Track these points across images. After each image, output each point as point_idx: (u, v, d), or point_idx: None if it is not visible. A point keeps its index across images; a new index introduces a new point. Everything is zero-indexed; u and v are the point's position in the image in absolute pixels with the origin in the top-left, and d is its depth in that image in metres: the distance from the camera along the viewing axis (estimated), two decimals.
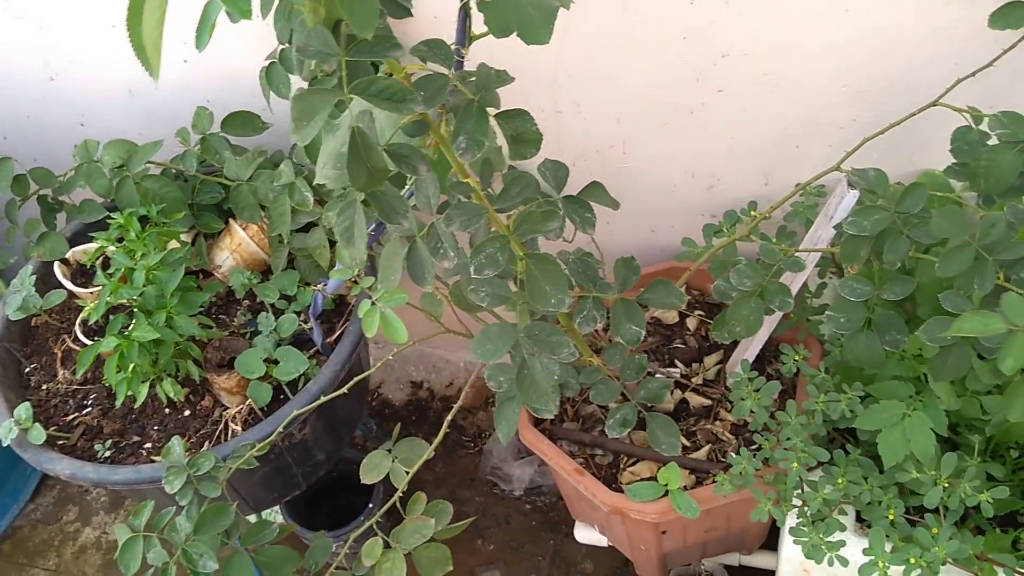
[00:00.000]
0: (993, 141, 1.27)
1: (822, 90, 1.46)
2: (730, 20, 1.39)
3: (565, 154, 1.71)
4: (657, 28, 1.43)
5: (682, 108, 1.57)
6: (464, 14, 1.09)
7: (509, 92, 1.54)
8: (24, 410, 1.48)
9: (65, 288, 1.65)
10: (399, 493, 1.40)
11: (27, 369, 1.66)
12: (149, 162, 1.64)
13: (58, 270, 1.68)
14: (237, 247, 1.66)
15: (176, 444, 1.32)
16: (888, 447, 1.34)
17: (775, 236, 1.60)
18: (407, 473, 1.40)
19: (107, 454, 1.50)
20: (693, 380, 1.67)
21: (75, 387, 1.62)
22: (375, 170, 0.85)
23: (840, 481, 1.36)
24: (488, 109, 0.98)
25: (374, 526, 1.38)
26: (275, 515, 2.01)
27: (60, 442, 1.54)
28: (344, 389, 1.35)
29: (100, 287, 1.52)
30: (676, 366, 1.71)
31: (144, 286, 1.43)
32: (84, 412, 1.58)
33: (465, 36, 1.10)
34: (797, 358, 1.47)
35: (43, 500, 2.30)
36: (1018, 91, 1.38)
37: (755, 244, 1.58)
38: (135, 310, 1.45)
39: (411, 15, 0.92)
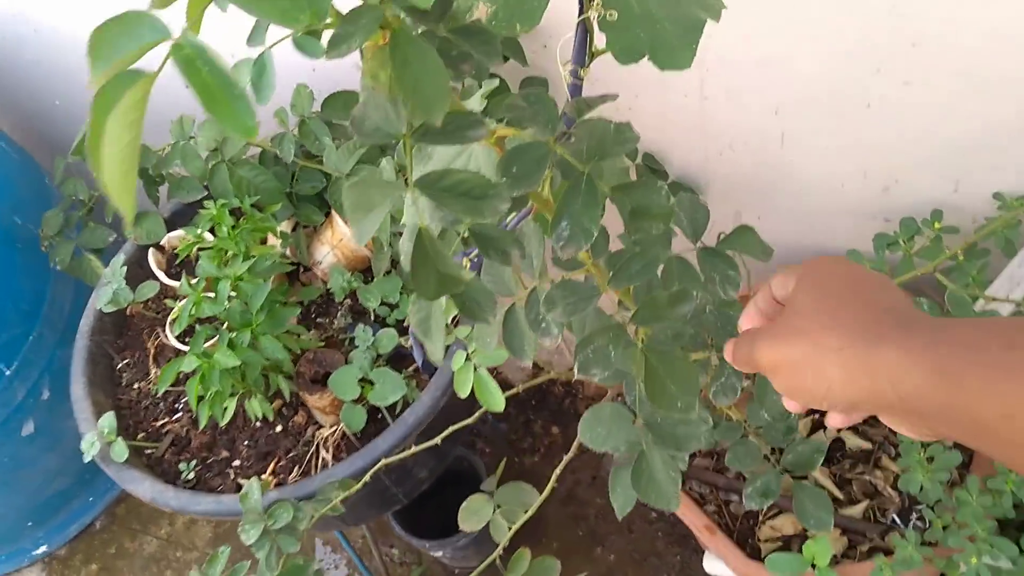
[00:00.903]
0: None
1: None
2: (922, 4, 1.10)
3: (710, 143, 1.47)
4: (831, 10, 1.16)
5: (858, 100, 1.29)
6: (584, 29, 0.86)
7: (645, 75, 1.30)
8: (108, 422, 1.38)
9: (157, 280, 1.54)
10: (499, 551, 1.24)
11: (119, 365, 1.57)
12: (246, 143, 1.49)
13: (152, 259, 1.57)
14: (339, 243, 1.50)
15: (254, 488, 1.19)
16: None
17: (962, 253, 1.32)
18: (509, 529, 1.24)
19: (191, 475, 1.39)
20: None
21: (167, 388, 1.52)
22: (447, 277, 0.65)
23: None
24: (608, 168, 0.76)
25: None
26: None
27: (148, 451, 1.45)
28: (436, 440, 1.19)
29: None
30: None
31: (229, 300, 1.29)
32: (175, 418, 1.48)
33: (584, 54, 0.87)
34: None
35: None
36: None
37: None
38: (220, 326, 1.32)
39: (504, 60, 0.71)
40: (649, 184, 0.75)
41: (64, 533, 2.14)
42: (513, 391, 1.22)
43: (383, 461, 1.19)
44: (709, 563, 1.65)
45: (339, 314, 1.51)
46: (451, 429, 1.18)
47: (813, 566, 1.24)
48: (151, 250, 1.57)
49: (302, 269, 1.58)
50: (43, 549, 2.13)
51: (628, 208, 0.74)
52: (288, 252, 1.53)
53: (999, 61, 1.15)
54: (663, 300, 0.81)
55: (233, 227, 1.38)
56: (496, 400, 1.03)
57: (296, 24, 0.50)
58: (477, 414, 1.18)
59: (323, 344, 1.45)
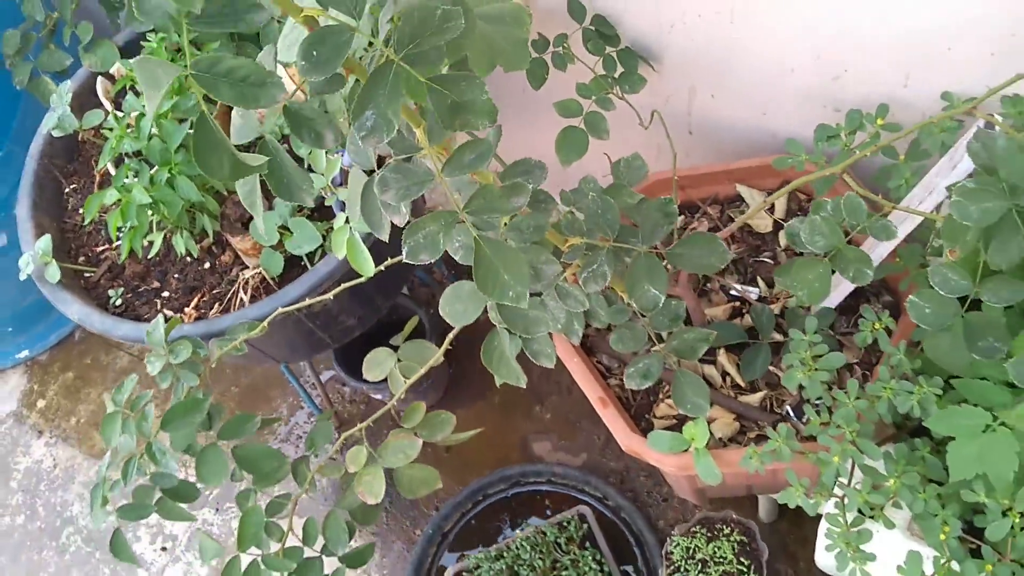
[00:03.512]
0: None
1: None
2: None
3: (662, 12, 1.41)
4: None
5: None
6: None
7: None
8: (43, 244, 1.43)
9: (104, 109, 1.55)
10: (393, 401, 1.28)
11: (67, 190, 1.60)
12: None
13: (100, 87, 1.57)
14: None
15: (159, 324, 1.23)
16: (958, 460, 1.09)
17: (905, 153, 1.28)
18: (405, 381, 1.28)
19: (119, 302, 1.45)
20: (774, 305, 1.43)
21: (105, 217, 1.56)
22: (238, 162, 0.65)
23: (893, 483, 1.14)
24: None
25: (362, 435, 1.28)
26: None
27: (87, 274, 1.50)
28: (329, 296, 1.21)
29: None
30: (757, 284, 1.47)
31: (151, 137, 1.30)
32: (114, 246, 1.53)
33: None
34: (878, 326, 1.20)
35: None
36: None
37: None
38: (142, 162, 1.34)
39: None
40: (468, 78, 0.72)
41: (44, 341, 2.25)
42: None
43: (280, 309, 1.22)
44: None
45: None
46: (344, 286, 1.20)
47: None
48: (99, 79, 1.58)
49: None
50: (25, 354, 2.24)
51: (447, 102, 0.72)
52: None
53: None
54: (495, 194, 0.81)
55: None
56: (366, 265, 1.04)
57: None
58: (367, 276, 1.20)
59: None
